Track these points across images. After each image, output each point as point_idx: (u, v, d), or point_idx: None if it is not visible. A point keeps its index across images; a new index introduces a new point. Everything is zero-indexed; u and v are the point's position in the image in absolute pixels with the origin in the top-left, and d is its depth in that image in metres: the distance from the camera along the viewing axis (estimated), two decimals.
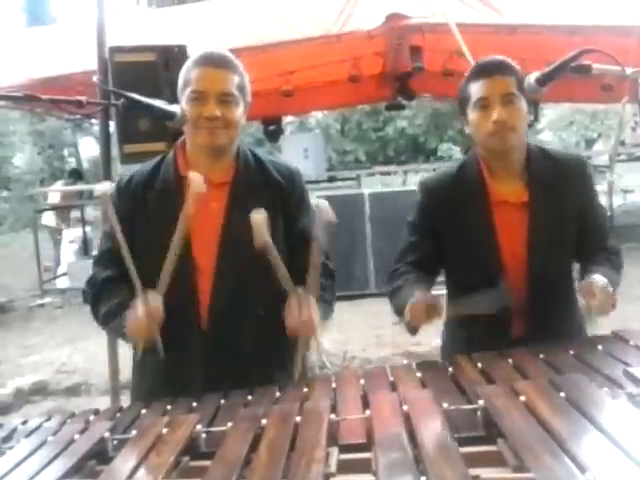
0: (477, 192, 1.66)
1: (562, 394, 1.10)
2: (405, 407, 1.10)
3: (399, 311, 1.57)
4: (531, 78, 1.67)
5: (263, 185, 1.62)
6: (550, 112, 17.29)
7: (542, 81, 1.66)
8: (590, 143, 17.52)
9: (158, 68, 2.92)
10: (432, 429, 1.02)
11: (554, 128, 19.21)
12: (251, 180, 1.62)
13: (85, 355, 4.42)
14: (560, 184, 1.65)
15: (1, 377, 4.46)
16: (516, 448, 0.93)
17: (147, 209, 1.59)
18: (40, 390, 4.27)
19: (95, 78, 2.21)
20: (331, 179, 7.61)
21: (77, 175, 9.95)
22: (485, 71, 1.61)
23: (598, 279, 1.48)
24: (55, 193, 9.21)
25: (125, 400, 2.56)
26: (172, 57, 2.94)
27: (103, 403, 2.98)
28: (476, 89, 1.60)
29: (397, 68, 7.04)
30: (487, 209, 1.65)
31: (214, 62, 1.54)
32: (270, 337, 1.55)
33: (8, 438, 1.29)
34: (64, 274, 7.84)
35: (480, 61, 1.68)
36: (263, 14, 5.52)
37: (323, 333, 1.50)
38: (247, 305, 1.56)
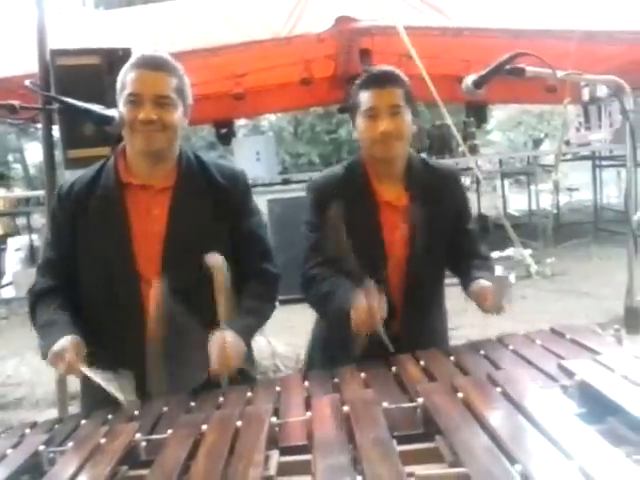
0: (364, 192, 1.74)
1: (498, 389, 1.12)
2: (346, 408, 1.10)
3: (338, 315, 1.56)
4: (469, 80, 1.72)
5: (206, 189, 1.60)
6: (499, 113, 17.74)
7: (478, 83, 1.71)
8: (537, 143, 18.00)
9: (102, 72, 2.85)
10: (371, 429, 1.02)
11: (503, 129, 19.71)
12: (194, 184, 1.60)
13: (31, 367, 4.26)
14: (436, 191, 1.75)
15: None
16: (452, 444, 0.95)
17: (88, 217, 1.56)
18: None
19: (28, 82, 2.12)
20: (285, 182, 7.58)
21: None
22: (376, 82, 1.68)
23: (485, 282, 1.60)
24: None
25: (73, 412, 2.49)
26: (116, 60, 2.86)
27: (50, 415, 2.89)
28: (366, 98, 1.68)
29: (348, 70, 7.09)
30: (374, 208, 1.73)
31: (151, 64, 1.52)
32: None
33: None
34: (9, 283, 7.57)
35: (372, 71, 1.76)
36: (212, 17, 5.48)
37: (239, 361, 1.44)
38: (194, 312, 1.54)
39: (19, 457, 1.13)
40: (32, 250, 7.88)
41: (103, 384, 1.32)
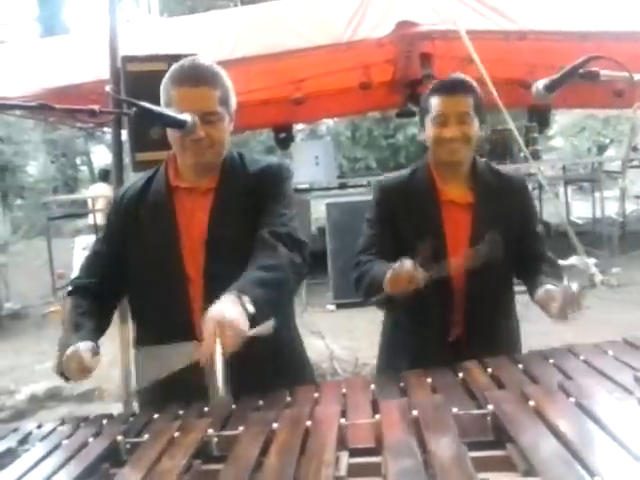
0: (427, 191, 1.79)
1: (572, 399, 1.10)
2: (415, 412, 1.10)
3: (373, 288, 1.62)
4: (539, 84, 1.69)
5: (245, 188, 1.60)
6: (562, 118, 17.21)
7: (550, 87, 1.67)
8: (602, 149, 17.40)
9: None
10: (442, 434, 1.02)
11: (566, 134, 19.11)
12: (235, 184, 1.60)
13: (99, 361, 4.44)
14: (502, 192, 1.79)
15: (16, 383, 4.50)
16: (525, 452, 0.94)
17: (139, 220, 1.60)
18: (54, 396, 4.30)
19: (108, 87, 2.23)
20: (342, 186, 7.60)
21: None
22: (446, 89, 1.74)
23: (552, 288, 1.58)
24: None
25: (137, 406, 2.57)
26: None
27: (116, 409, 2.99)
28: (436, 104, 1.73)
29: (407, 75, 7.06)
30: (436, 206, 1.77)
31: (193, 80, 1.50)
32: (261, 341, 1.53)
33: (23, 441, 1.32)
34: None
35: (444, 79, 1.80)
36: (273, 23, 5.56)
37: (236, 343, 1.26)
38: None
39: (100, 445, 1.19)
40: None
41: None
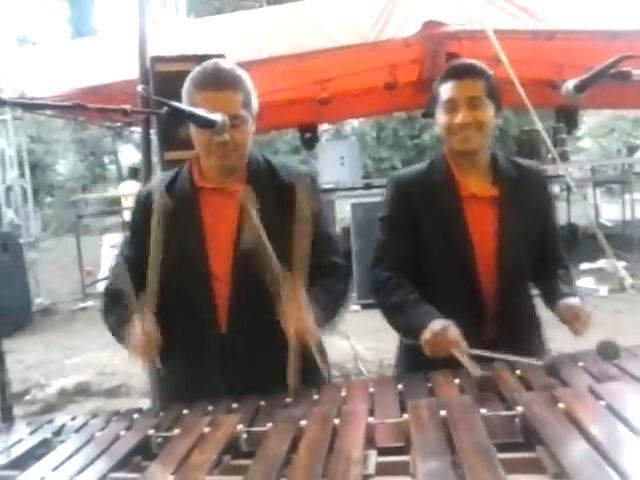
0: (446, 185, 1.70)
1: (602, 402, 1.09)
2: (443, 412, 1.10)
3: (409, 334, 1.60)
4: (569, 84, 1.66)
5: (274, 190, 1.61)
6: (590, 119, 16.96)
7: (580, 87, 1.65)
8: (632, 150, 17.08)
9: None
10: (470, 434, 1.02)
11: (594, 135, 18.83)
12: (262, 187, 1.61)
13: (125, 358, 4.49)
14: (523, 186, 1.71)
15: (46, 377, 4.60)
16: (556, 455, 0.93)
17: (165, 222, 1.59)
18: (83, 391, 4.38)
19: (140, 87, 2.27)
20: (367, 186, 7.60)
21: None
22: (455, 73, 1.65)
23: (577, 303, 1.56)
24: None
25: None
26: None
27: (143, 405, 3.04)
28: (445, 90, 1.65)
29: (434, 75, 6.97)
30: (457, 201, 1.68)
31: (215, 84, 1.51)
32: (287, 340, 1.55)
33: (58, 433, 1.35)
34: (104, 278, 8.03)
35: (453, 63, 1.72)
36: (300, 23, 5.58)
37: (316, 334, 1.45)
38: (263, 309, 1.54)
39: (131, 439, 1.21)
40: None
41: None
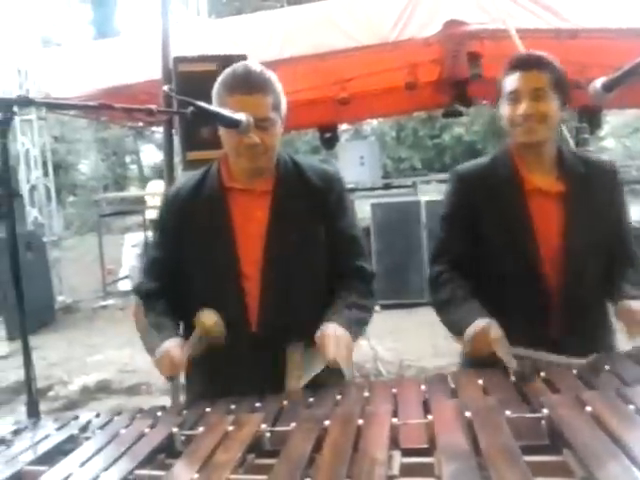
0: (511, 180, 1.67)
1: (631, 406, 1.08)
2: (467, 413, 1.10)
3: (454, 331, 1.58)
4: (597, 84, 1.64)
5: (303, 191, 1.64)
6: (613, 119, 16.70)
7: (608, 87, 1.62)
8: None
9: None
10: (496, 436, 1.01)
11: (618, 135, 18.54)
12: (291, 187, 1.64)
13: (146, 356, 4.54)
14: (593, 183, 1.66)
15: (68, 374, 4.66)
16: (584, 459, 0.92)
17: (194, 219, 1.63)
18: (104, 388, 4.44)
19: (165, 87, 2.30)
20: (387, 186, 7.59)
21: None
22: (521, 64, 1.62)
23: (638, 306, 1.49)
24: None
25: (184, 400, 2.63)
26: None
27: (163, 403, 3.06)
28: (509, 82, 1.62)
29: (454, 75, 6.98)
30: (521, 196, 1.65)
31: (246, 88, 1.52)
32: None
33: (84, 429, 1.37)
34: (126, 277, 8.13)
35: (519, 54, 1.70)
36: (320, 23, 5.58)
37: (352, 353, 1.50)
38: (294, 308, 1.58)
39: (156, 437, 1.22)
40: (146, 246, 8.37)
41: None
